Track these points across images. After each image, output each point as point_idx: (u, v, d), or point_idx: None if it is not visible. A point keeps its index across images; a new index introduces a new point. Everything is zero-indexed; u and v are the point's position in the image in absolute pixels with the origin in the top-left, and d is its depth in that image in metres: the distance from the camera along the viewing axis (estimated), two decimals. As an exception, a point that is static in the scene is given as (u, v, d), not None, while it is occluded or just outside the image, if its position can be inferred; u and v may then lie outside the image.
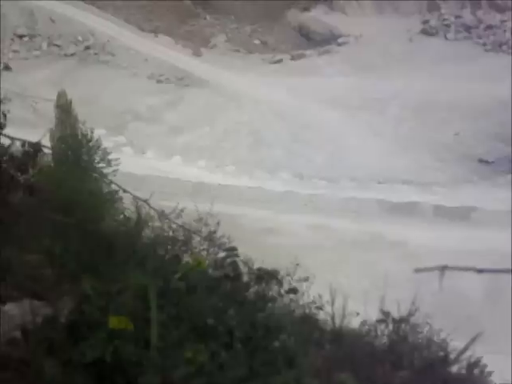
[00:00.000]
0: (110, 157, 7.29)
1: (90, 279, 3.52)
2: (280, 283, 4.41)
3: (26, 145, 5.30)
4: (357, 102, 35.97)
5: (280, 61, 42.32)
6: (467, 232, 23.98)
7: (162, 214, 6.66)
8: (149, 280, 3.48)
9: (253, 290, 4.16)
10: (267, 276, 4.25)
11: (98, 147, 7.17)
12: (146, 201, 6.01)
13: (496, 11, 44.73)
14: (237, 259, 4.23)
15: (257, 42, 45.11)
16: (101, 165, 7.05)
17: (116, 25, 42.41)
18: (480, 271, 2.55)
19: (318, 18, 46.46)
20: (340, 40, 44.28)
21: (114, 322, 3.24)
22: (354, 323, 5.63)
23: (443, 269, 2.52)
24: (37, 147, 5.34)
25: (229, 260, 4.18)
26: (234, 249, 4.32)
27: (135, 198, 6.07)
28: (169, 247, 5.67)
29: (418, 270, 2.64)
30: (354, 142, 32.67)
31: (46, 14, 40.38)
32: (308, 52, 43.32)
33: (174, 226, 6.83)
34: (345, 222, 24.59)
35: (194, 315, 3.53)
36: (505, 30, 43.44)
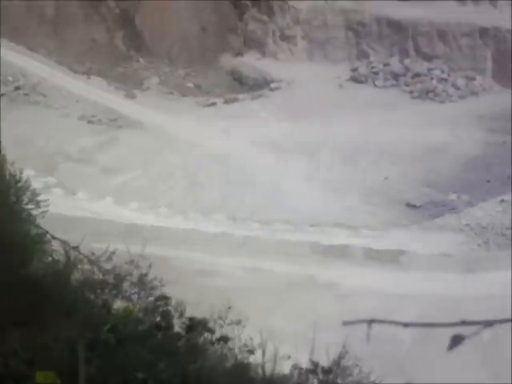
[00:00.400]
0: (39, 198, 7.15)
1: (17, 331, 3.41)
2: (211, 331, 4.36)
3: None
4: (290, 146, 36.50)
5: (214, 104, 42.65)
6: (397, 275, 24.38)
7: (91, 257, 6.54)
8: (77, 332, 3.37)
9: (184, 339, 4.09)
10: (199, 326, 4.19)
11: (27, 188, 7.02)
12: (76, 247, 5.91)
13: (423, 59, 46.31)
14: (169, 308, 4.16)
15: (190, 85, 45.38)
16: (29, 206, 6.90)
17: (47, 66, 42.01)
18: (406, 325, 2.60)
19: (251, 63, 47.20)
20: (272, 85, 45.01)
21: (40, 377, 3.15)
22: (286, 367, 5.62)
23: (370, 322, 2.56)
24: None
25: (160, 309, 4.10)
26: (165, 297, 4.25)
27: (63, 242, 5.96)
28: (98, 291, 5.57)
29: (345, 323, 2.66)
30: (287, 185, 33.03)
31: (-25, 54, 39.73)
32: (241, 96, 43.83)
33: (104, 268, 6.71)
34: (278, 264, 24.68)
35: (123, 368, 3.44)
36: (432, 78, 44.97)
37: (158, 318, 4.04)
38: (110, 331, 3.72)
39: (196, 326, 4.21)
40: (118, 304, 5.53)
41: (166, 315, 4.11)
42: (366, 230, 28.84)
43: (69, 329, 3.45)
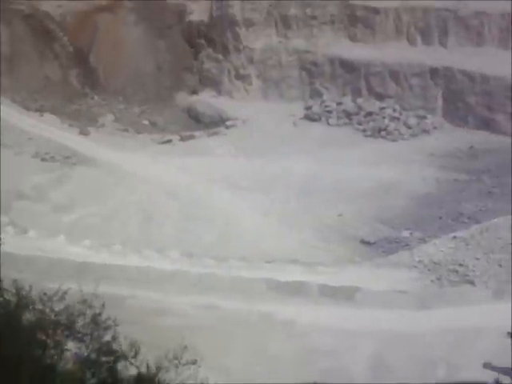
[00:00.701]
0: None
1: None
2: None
3: None
4: (245, 182, 36.63)
5: (169, 141, 42.67)
6: (352, 312, 24.44)
7: (43, 297, 6.43)
8: None
9: None
10: (146, 382, 4.12)
11: (-22, 227, 6.90)
12: (27, 288, 5.81)
13: (375, 99, 47.20)
14: (118, 364, 4.08)
15: (146, 122, 45.38)
16: (-20, 245, 6.78)
17: (1, 103, 41.54)
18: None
19: (207, 100, 47.48)
20: (228, 123, 45.31)
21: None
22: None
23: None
24: None
25: (106, 366, 4.02)
26: (113, 352, 4.17)
27: (14, 281, 5.86)
28: (51, 332, 5.47)
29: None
30: (242, 221, 33.05)
31: None
32: (197, 133, 43.98)
33: (56, 309, 6.59)
34: (234, 301, 24.52)
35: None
36: (384, 117, 45.79)
37: (105, 374, 3.95)
38: None
39: (144, 382, 4.14)
40: (70, 345, 5.45)
41: (114, 371, 4.01)
42: (321, 266, 28.92)
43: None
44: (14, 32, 45.14)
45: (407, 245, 31.38)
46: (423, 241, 31.44)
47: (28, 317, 5.79)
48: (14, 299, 5.71)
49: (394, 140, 44.16)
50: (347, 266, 29.19)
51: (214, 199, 34.98)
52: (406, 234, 32.70)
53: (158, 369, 4.37)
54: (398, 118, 45.85)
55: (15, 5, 46.11)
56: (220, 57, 48.92)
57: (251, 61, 48.66)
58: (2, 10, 45.29)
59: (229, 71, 48.71)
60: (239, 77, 48.62)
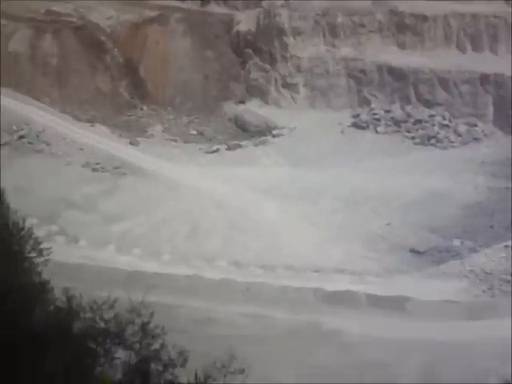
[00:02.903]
0: (42, 246, 7.14)
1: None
2: None
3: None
4: (292, 192, 36.55)
5: (216, 151, 42.88)
6: (401, 322, 24.13)
7: (93, 305, 6.50)
8: None
9: None
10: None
11: (30, 236, 7.02)
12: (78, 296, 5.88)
13: (424, 106, 46.66)
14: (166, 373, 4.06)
15: (193, 132, 45.70)
16: (32, 254, 6.89)
17: (51, 114, 42.42)
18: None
19: (254, 110, 47.61)
20: (275, 132, 45.31)
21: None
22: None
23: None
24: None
25: (155, 373, 4.02)
26: (162, 360, 4.12)
27: (65, 290, 5.94)
28: (100, 340, 5.52)
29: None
30: (289, 231, 32.97)
31: (-20, 104, 40.16)
32: (244, 143, 44.10)
33: (106, 317, 6.65)
34: (281, 311, 24.48)
35: None
36: (433, 125, 45.22)
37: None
38: None
39: None
40: (120, 353, 5.49)
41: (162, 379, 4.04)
42: (370, 276, 28.67)
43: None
44: (65, 44, 46.04)
45: (458, 254, 30.88)
46: (474, 250, 30.92)
47: (78, 325, 5.85)
48: (64, 307, 5.79)
49: (443, 148, 43.56)
50: (396, 275, 28.86)
51: (261, 209, 34.99)
52: (456, 243, 32.18)
53: (206, 377, 4.38)
54: (447, 126, 45.20)
55: (65, 17, 47.05)
56: (267, 66, 49.03)
57: (298, 69, 48.63)
58: (53, 22, 46.31)
59: (276, 80, 48.76)
60: (286, 86, 48.63)
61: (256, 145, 43.85)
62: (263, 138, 44.80)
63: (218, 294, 25.63)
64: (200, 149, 43.25)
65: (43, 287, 6.45)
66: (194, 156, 41.66)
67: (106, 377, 4.66)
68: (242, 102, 48.56)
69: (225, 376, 5.62)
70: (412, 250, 31.65)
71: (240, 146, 43.65)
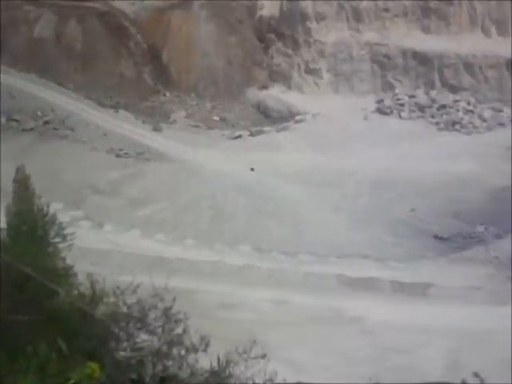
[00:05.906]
0: (66, 231, 7.21)
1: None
2: None
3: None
4: (315, 178, 36.49)
5: (239, 136, 42.91)
6: (425, 308, 24.06)
7: (117, 290, 6.55)
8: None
9: None
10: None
11: (54, 222, 7.08)
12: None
13: (449, 91, 46.24)
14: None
15: (216, 118, 45.75)
16: (56, 239, 6.95)
17: (76, 100, 42.69)
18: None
19: (276, 96, 47.48)
20: (297, 117, 45.19)
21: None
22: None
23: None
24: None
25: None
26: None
27: (89, 275, 6.00)
28: (123, 325, 5.57)
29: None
30: (313, 216, 32.95)
31: (6, 89, 40.48)
32: (266, 128, 44.06)
33: (129, 302, 6.71)
34: (304, 296, 24.50)
35: None
36: (458, 110, 44.81)
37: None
38: None
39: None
40: (142, 337, 5.55)
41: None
42: (393, 262, 28.59)
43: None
44: (89, 29, 46.21)
45: (482, 240, 30.67)
46: (499, 236, 30.68)
47: (102, 310, 5.91)
48: (88, 293, 5.85)
49: (468, 133, 43.18)
50: (420, 261, 28.75)
51: (285, 194, 35.00)
52: (480, 229, 31.95)
53: (228, 362, 4.41)
54: (472, 111, 44.79)
55: (89, 2, 47.20)
56: (290, 51, 48.82)
57: (322, 55, 48.37)
58: (77, 7, 46.46)
59: (299, 65, 48.56)
60: (309, 71, 48.41)
61: (278, 131, 43.79)
62: (286, 123, 44.73)
63: (241, 279, 25.73)
64: (223, 135, 43.32)
65: (67, 272, 6.52)
66: (217, 142, 41.74)
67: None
68: (265, 87, 48.47)
69: (246, 361, 5.65)
70: (436, 236, 31.49)
71: (263, 132, 43.64)
